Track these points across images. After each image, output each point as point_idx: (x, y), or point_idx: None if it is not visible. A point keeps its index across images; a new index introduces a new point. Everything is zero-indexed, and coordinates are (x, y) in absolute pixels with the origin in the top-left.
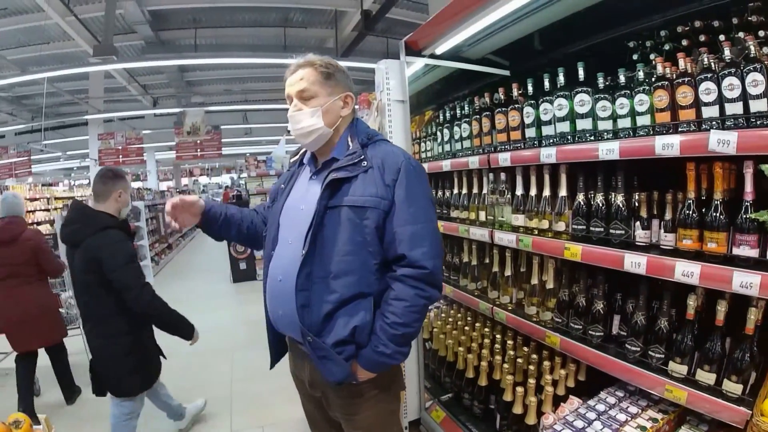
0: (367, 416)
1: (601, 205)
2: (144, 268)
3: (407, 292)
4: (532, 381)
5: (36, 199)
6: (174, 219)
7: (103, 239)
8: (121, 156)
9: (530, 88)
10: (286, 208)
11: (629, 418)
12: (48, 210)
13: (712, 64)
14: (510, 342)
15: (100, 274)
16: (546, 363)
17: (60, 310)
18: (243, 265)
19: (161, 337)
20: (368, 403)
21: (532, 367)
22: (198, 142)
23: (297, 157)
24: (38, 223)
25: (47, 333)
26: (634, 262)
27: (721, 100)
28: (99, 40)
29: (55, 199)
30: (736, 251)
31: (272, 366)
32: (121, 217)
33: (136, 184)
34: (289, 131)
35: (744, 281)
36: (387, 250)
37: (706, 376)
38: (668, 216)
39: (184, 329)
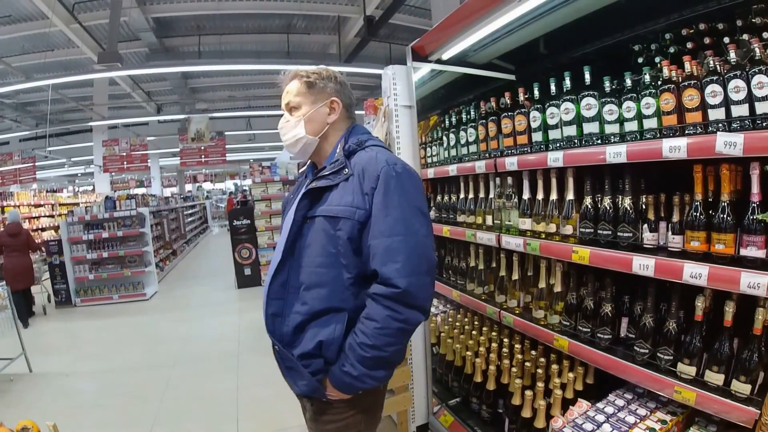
0: None
1: (608, 208)
2: (148, 275)
3: (378, 312)
4: (540, 384)
5: (41, 206)
6: None
7: None
8: (125, 162)
9: (536, 93)
10: (287, 218)
11: (638, 421)
12: (53, 216)
13: (718, 66)
14: (518, 346)
15: None
16: (554, 366)
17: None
18: (248, 271)
19: (170, 344)
20: (334, 424)
21: (540, 371)
22: (202, 148)
23: (305, 167)
24: (43, 229)
25: (29, 280)
26: (643, 265)
27: (727, 103)
28: (103, 47)
29: (60, 205)
30: (743, 252)
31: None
32: None
33: (140, 191)
34: None
35: (752, 282)
36: (365, 265)
37: (715, 377)
38: (676, 218)
39: None
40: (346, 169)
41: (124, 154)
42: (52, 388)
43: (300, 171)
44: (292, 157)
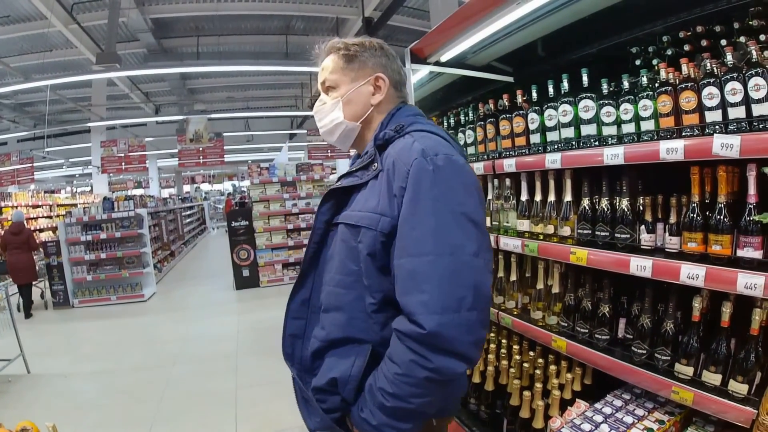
0: None
1: (606, 209)
2: (147, 276)
3: (401, 354)
4: (538, 385)
5: (38, 206)
6: None
7: None
8: (123, 163)
9: (534, 95)
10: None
11: (636, 421)
12: (50, 217)
13: (715, 69)
14: (516, 347)
15: None
16: (552, 367)
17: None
18: (246, 272)
19: (168, 344)
20: None
21: (538, 372)
22: (201, 149)
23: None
24: (41, 230)
25: (30, 276)
26: (640, 266)
27: (724, 105)
28: (102, 48)
29: (58, 206)
30: (740, 253)
31: None
32: None
33: (138, 192)
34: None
35: (749, 282)
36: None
37: (712, 377)
38: (673, 219)
39: None
40: (375, 164)
41: (122, 155)
42: (50, 388)
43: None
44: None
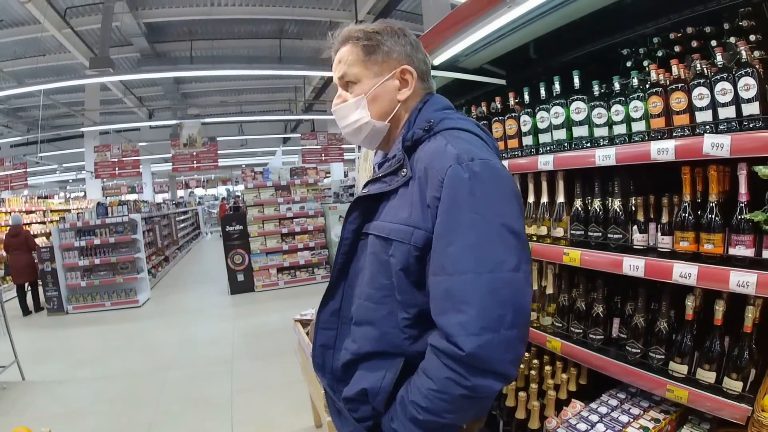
0: None
1: (598, 210)
2: (141, 281)
3: (437, 371)
4: (534, 386)
5: (32, 212)
6: None
7: None
8: (117, 168)
9: (527, 97)
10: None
11: (632, 420)
12: (44, 223)
13: (705, 69)
14: None
15: None
16: (547, 367)
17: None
18: (241, 277)
19: (163, 350)
20: None
21: (533, 372)
22: (194, 153)
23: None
24: (34, 236)
25: (30, 276)
26: (633, 266)
27: (714, 105)
28: (95, 53)
29: (52, 211)
30: (732, 251)
31: None
32: None
33: (131, 197)
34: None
35: (741, 280)
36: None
37: (707, 375)
38: (665, 219)
39: None
40: (405, 170)
41: (116, 159)
42: (45, 395)
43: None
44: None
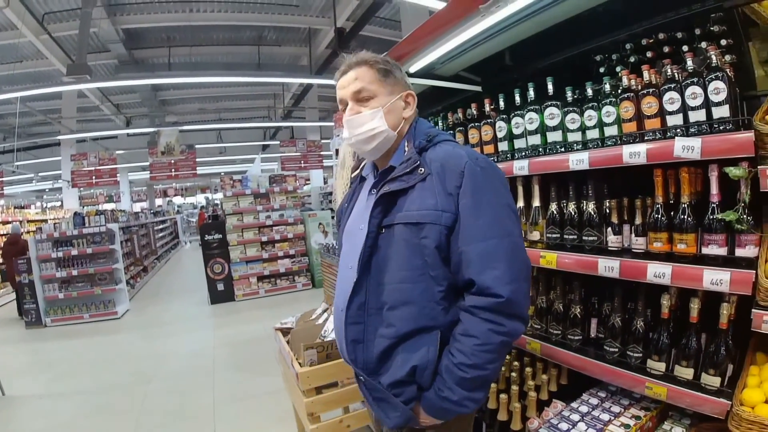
0: None
1: (573, 213)
2: (119, 292)
3: (478, 327)
4: (515, 387)
5: (8, 222)
6: None
7: None
8: (94, 177)
9: (502, 103)
10: (347, 230)
11: (613, 418)
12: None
13: (676, 74)
14: None
15: None
16: (528, 369)
17: None
18: (221, 287)
19: (144, 362)
20: None
21: (514, 374)
22: (172, 161)
23: (357, 171)
24: None
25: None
26: (608, 267)
27: (684, 109)
28: (72, 59)
29: (28, 221)
30: (705, 251)
31: None
32: None
33: (109, 206)
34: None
35: (714, 278)
36: (455, 275)
37: (685, 372)
38: (638, 221)
39: None
40: (422, 168)
41: (93, 168)
42: (26, 410)
43: (353, 175)
44: (357, 161)
